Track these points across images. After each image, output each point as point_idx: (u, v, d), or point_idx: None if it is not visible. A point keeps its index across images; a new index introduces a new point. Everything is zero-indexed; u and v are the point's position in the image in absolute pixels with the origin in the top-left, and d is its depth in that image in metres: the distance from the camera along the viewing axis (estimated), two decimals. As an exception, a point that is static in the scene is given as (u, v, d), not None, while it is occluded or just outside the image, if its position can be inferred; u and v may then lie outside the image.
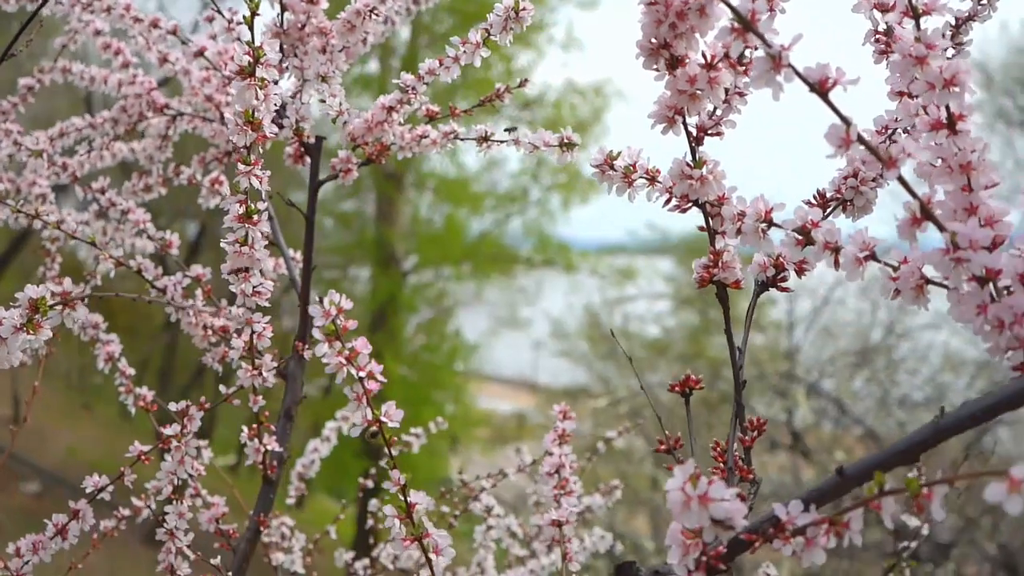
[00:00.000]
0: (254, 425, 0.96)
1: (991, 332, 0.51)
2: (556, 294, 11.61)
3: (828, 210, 0.69)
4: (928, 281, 0.55)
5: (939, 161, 0.56)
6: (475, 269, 11.25)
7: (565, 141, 0.87)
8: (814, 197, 0.70)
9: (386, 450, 0.64)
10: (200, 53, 1.06)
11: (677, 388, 0.68)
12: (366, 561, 1.36)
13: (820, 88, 0.51)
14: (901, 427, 6.32)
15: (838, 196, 0.69)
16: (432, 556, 0.65)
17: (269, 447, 0.97)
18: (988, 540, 5.93)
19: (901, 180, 0.52)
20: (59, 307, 0.67)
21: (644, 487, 6.87)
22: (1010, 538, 6.08)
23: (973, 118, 0.55)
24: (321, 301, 0.62)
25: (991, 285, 0.52)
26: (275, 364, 0.92)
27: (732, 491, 0.51)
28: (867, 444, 6.10)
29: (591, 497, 1.42)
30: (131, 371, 1.10)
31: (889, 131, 0.69)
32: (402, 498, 0.65)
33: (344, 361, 0.62)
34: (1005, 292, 0.53)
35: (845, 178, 0.69)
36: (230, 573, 0.94)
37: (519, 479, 1.64)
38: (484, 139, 0.95)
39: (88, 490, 0.91)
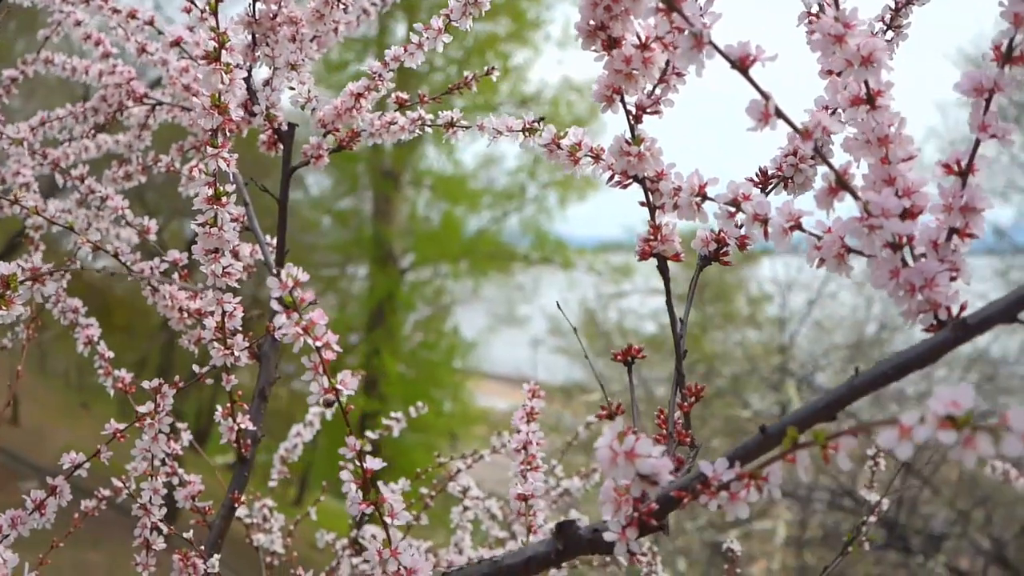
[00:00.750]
0: (228, 404, 0.99)
1: (904, 296, 0.54)
2: (553, 291, 11.64)
3: (769, 187, 0.72)
4: (849, 250, 0.58)
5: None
6: (472, 266, 11.29)
7: (527, 127, 0.90)
8: (756, 174, 0.72)
9: (344, 418, 0.67)
10: (176, 43, 1.08)
11: (619, 357, 0.71)
12: (344, 541, 1.39)
13: (741, 65, 0.54)
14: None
15: (779, 173, 0.72)
16: (388, 520, 0.68)
17: (242, 426, 1.00)
18: (980, 533, 5.96)
19: (816, 151, 0.55)
20: (29, 282, 0.70)
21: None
22: (1002, 531, 6.12)
23: (891, 93, 0.58)
24: (279, 275, 0.64)
25: (905, 251, 0.55)
26: (247, 344, 0.95)
27: (658, 448, 0.54)
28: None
29: (570, 480, 1.45)
30: (110, 354, 1.12)
31: (829, 111, 0.72)
32: (359, 464, 0.68)
33: (301, 331, 0.65)
34: (922, 259, 0.56)
35: (785, 156, 0.72)
36: (203, 547, 0.96)
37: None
38: (451, 125, 0.98)
39: (65, 467, 0.94)
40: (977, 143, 0.55)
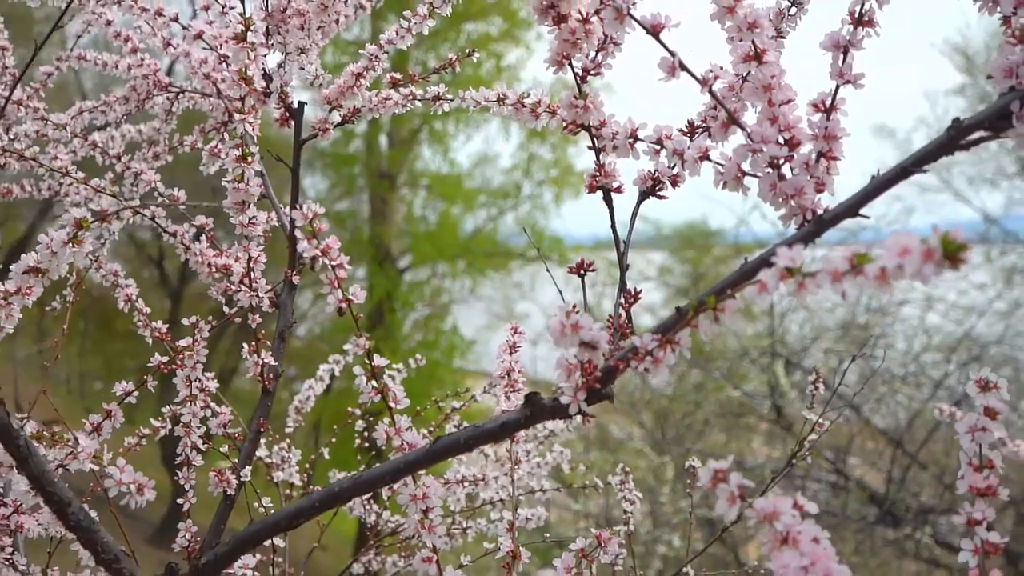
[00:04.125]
0: (253, 343, 1.16)
1: (781, 204, 0.71)
2: (551, 288, 11.73)
3: (695, 134, 0.89)
4: (744, 173, 0.74)
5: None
6: (469, 265, 11.45)
7: (500, 97, 1.06)
8: (685, 125, 0.89)
9: (354, 322, 0.84)
10: (198, 36, 1.25)
11: (573, 270, 0.87)
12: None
13: (654, 31, 0.70)
14: (880, 401, 6.55)
15: (703, 124, 0.88)
16: (392, 405, 0.85)
17: (266, 361, 1.16)
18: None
19: (712, 94, 0.71)
20: (98, 222, 0.86)
21: (640, 475, 7.08)
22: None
23: (776, 51, 0.74)
24: (301, 208, 0.81)
25: (786, 170, 0.72)
26: (269, 288, 1.11)
27: (598, 324, 0.71)
28: (847, 416, 6.31)
29: (554, 423, 1.62)
30: (147, 309, 1.29)
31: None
32: (368, 361, 0.85)
33: (320, 253, 0.82)
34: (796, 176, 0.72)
35: (708, 109, 0.88)
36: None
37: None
38: (437, 98, 1.15)
39: (117, 393, 1.10)
40: (837, 88, 0.72)
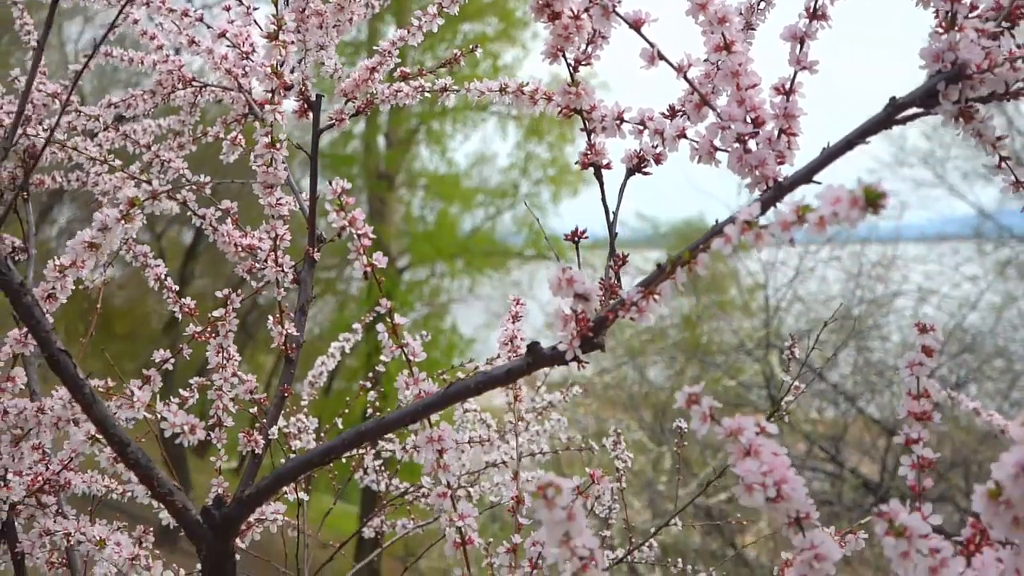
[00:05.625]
0: (277, 315, 1.27)
1: (747, 173, 0.82)
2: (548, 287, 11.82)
3: (676, 117, 0.99)
4: (716, 148, 0.85)
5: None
6: (468, 264, 11.56)
7: (503, 87, 1.17)
8: (667, 108, 1.00)
9: (377, 286, 0.95)
10: (222, 34, 1.36)
11: (568, 238, 0.98)
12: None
13: (635, 25, 0.81)
14: (873, 391, 6.68)
15: (682, 108, 0.99)
16: (411, 358, 0.96)
17: (289, 331, 1.27)
18: (959, 493, 6.27)
19: (687, 79, 0.82)
20: (150, 200, 0.97)
21: (641, 473, 7.19)
22: (982, 491, 6.41)
23: (742, 41, 0.85)
24: (331, 183, 0.92)
25: (749, 144, 0.83)
26: (293, 264, 1.22)
27: (592, 280, 0.82)
28: (840, 404, 6.45)
29: (551, 394, 1.73)
30: (176, 287, 1.39)
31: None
32: (390, 320, 0.96)
33: (347, 224, 0.93)
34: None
35: (687, 94, 0.99)
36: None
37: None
38: (444, 90, 1.26)
39: (156, 360, 1.21)
40: (795, 73, 0.83)
